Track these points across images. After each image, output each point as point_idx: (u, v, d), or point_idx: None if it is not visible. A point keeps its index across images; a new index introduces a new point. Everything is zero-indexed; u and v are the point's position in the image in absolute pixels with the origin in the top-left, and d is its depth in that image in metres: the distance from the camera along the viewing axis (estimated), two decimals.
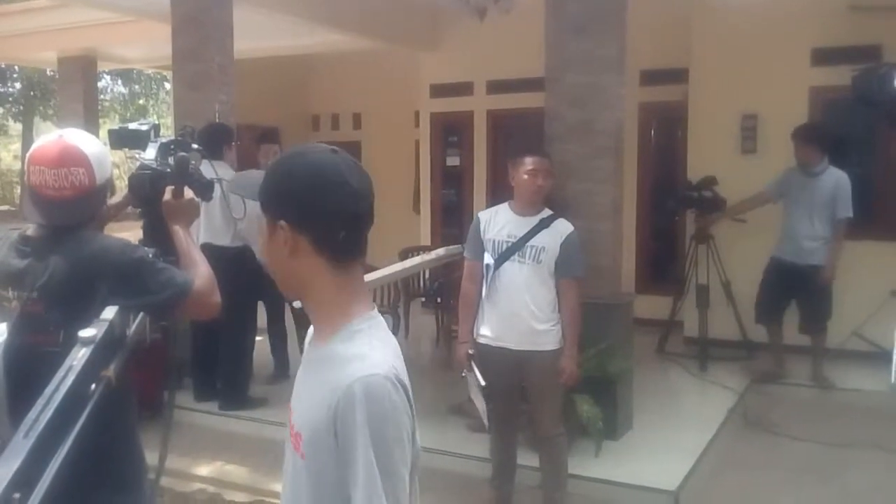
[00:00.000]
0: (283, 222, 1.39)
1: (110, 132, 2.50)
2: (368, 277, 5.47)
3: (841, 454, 4.82)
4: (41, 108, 23.51)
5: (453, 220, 9.52)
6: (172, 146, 2.38)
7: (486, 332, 3.77)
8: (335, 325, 1.43)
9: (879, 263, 6.39)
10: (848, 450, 4.86)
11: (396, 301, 7.04)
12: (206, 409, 5.41)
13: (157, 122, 2.46)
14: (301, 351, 5.93)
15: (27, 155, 2.07)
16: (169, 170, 2.26)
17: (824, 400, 5.80)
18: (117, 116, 26.37)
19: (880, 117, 6.25)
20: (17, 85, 23.23)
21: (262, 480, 4.48)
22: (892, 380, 5.76)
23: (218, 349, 5.39)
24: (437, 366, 6.70)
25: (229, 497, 4.34)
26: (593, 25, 4.75)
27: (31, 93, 22.69)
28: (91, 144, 2.05)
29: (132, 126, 2.43)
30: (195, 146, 2.51)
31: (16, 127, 26.43)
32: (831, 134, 6.16)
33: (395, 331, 6.97)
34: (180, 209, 2.21)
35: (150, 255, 2.09)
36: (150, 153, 2.30)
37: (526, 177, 3.70)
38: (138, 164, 2.29)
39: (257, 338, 5.85)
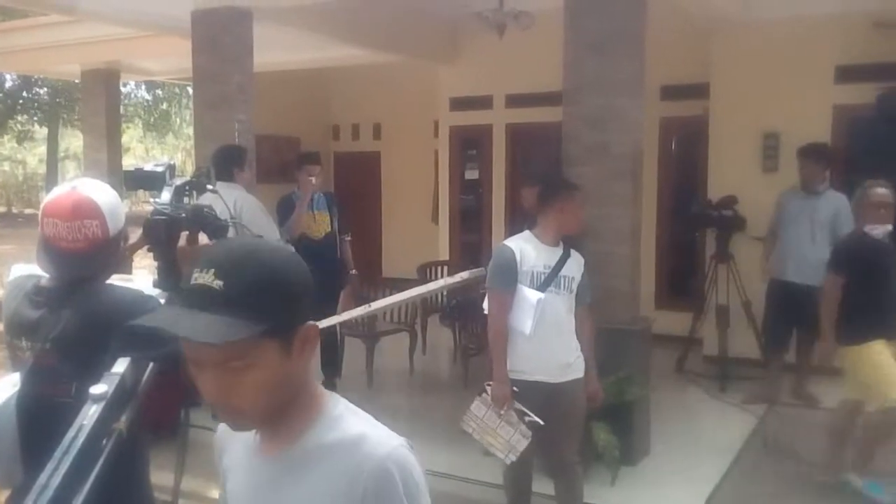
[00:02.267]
0: (301, 326, 1.28)
1: (125, 174, 2.51)
2: (392, 300, 5.47)
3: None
4: (66, 114, 23.79)
5: (472, 232, 9.53)
6: (187, 188, 2.39)
7: (521, 366, 3.66)
8: (308, 420, 1.31)
9: None
10: (870, 478, 4.78)
11: (414, 317, 7.03)
12: None
13: (172, 163, 2.45)
14: (325, 372, 5.86)
15: (41, 206, 2.08)
16: (184, 214, 2.26)
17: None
18: (140, 122, 26.64)
19: None
20: (43, 91, 23.53)
21: None
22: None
23: None
24: (455, 383, 6.68)
25: None
26: (611, 45, 4.72)
27: (57, 99, 22.97)
28: (104, 195, 2.06)
29: (147, 168, 2.44)
30: (209, 187, 2.52)
31: (42, 131, 26.79)
32: (837, 154, 6.13)
33: (412, 347, 6.97)
34: (195, 255, 2.21)
35: (163, 302, 2.10)
36: (165, 196, 2.30)
37: (579, 210, 3.77)
38: (153, 208, 2.29)
39: None
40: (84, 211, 1.99)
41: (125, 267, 2.34)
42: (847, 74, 6.58)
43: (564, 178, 4.41)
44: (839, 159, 6.14)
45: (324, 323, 5.40)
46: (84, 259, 1.99)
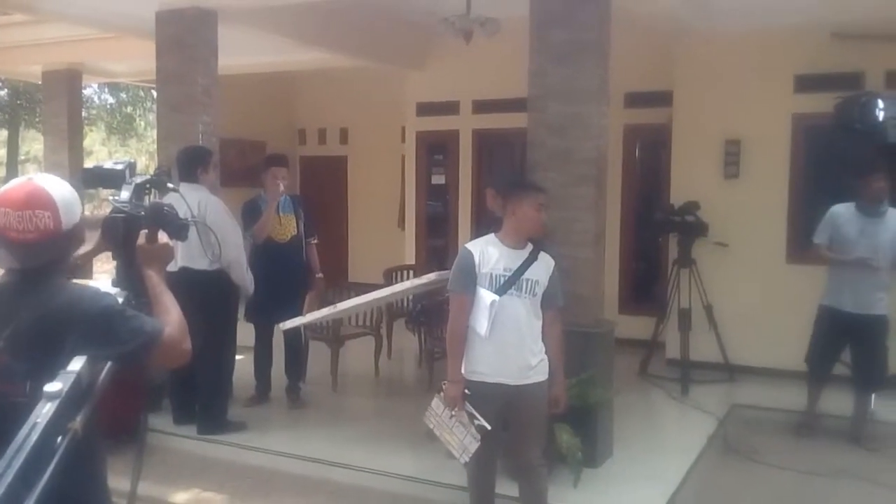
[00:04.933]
0: None
1: (84, 171, 2.48)
2: (359, 300, 5.46)
3: (821, 483, 4.85)
4: (27, 116, 23.35)
5: (438, 237, 9.55)
6: (147, 186, 2.37)
7: (481, 368, 3.67)
8: None
9: None
10: (828, 478, 4.89)
11: (379, 322, 7.02)
12: (184, 433, 5.36)
13: (132, 161, 2.43)
14: (289, 375, 5.83)
15: None
16: (143, 213, 2.24)
17: (795, 423, 5.80)
18: (104, 125, 26.24)
19: (861, 144, 6.29)
20: (3, 92, 23.08)
21: None
22: (872, 406, 5.80)
23: (197, 371, 5.35)
24: (420, 387, 6.67)
25: None
26: (575, 55, 4.76)
27: (17, 101, 22.54)
28: (60, 188, 2.02)
29: (107, 165, 2.41)
30: (170, 185, 2.50)
31: (1, 134, 26.26)
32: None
33: (377, 351, 6.95)
34: (154, 254, 2.19)
35: (121, 301, 2.08)
36: (124, 195, 2.28)
37: (535, 213, 3.71)
38: (112, 206, 2.27)
39: (239, 357, 5.83)
40: (36, 201, 1.96)
41: (83, 273, 2.30)
42: (805, 84, 6.72)
43: (524, 180, 4.42)
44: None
45: (288, 324, 5.37)
46: (33, 250, 1.95)
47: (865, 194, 5.44)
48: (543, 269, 3.74)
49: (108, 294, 2.04)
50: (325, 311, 5.40)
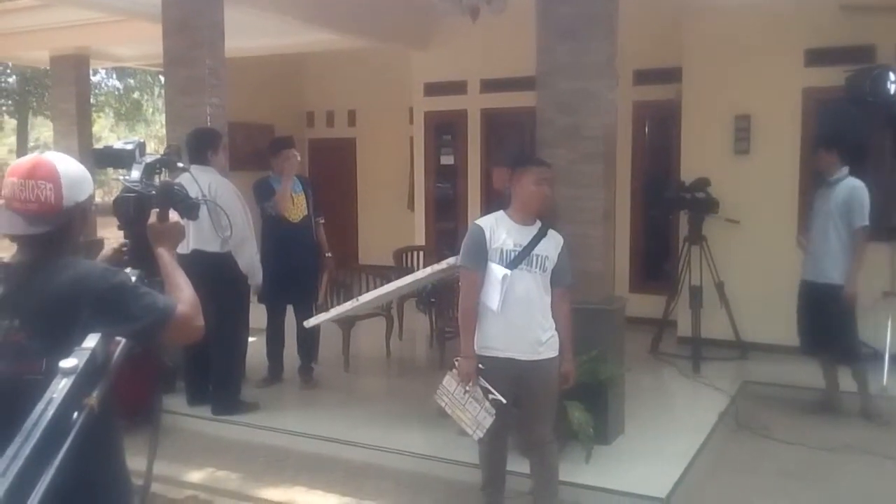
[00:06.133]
0: None
1: (95, 151, 2.49)
2: (380, 291, 5.46)
3: (831, 458, 4.84)
4: (35, 103, 23.41)
5: (447, 218, 9.54)
6: (158, 166, 2.37)
7: (492, 343, 3.69)
8: None
9: (871, 264, 6.36)
10: (838, 453, 4.89)
11: (390, 303, 7.03)
12: (198, 413, 5.41)
13: (142, 141, 2.43)
14: (301, 356, 5.87)
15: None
16: (153, 192, 2.24)
17: (815, 402, 5.80)
18: (112, 111, 26.28)
19: (873, 118, 6.24)
20: (12, 80, 23.13)
21: (254, 487, 4.49)
22: (884, 381, 5.79)
23: (210, 352, 5.39)
24: (431, 366, 6.70)
25: (221, 503, 4.35)
26: (583, 30, 4.73)
27: (26, 88, 22.59)
28: (67, 164, 2.03)
29: (117, 145, 2.41)
30: (180, 164, 2.50)
31: (11, 122, 26.34)
32: (853, 142, 5.78)
33: (388, 332, 6.98)
34: (165, 232, 2.20)
35: (134, 279, 2.09)
36: (134, 174, 2.28)
37: (535, 187, 3.71)
38: (123, 185, 2.27)
39: (251, 338, 5.86)
40: (40, 172, 1.97)
41: (93, 253, 2.31)
42: (816, 57, 6.66)
43: (526, 156, 4.40)
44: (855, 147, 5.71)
45: (312, 321, 5.40)
46: (33, 222, 1.95)
47: (816, 167, 5.80)
48: (553, 245, 3.75)
49: (120, 271, 2.05)
50: (347, 305, 5.40)
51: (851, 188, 5.44)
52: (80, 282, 1.95)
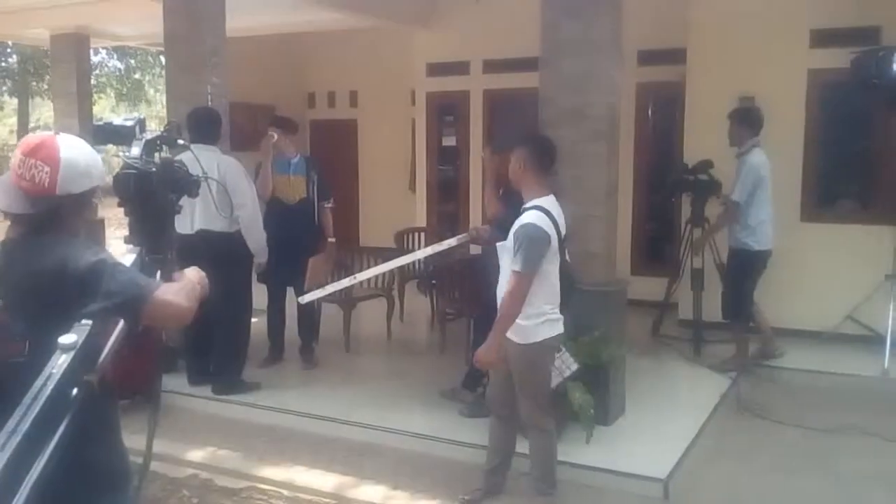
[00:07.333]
0: None
1: (95, 128, 2.46)
2: (377, 269, 5.46)
3: (832, 440, 4.84)
4: (36, 83, 23.30)
5: (449, 199, 9.51)
6: (158, 142, 2.35)
7: None
8: None
9: (874, 247, 6.36)
10: (839, 436, 4.89)
11: (391, 284, 7.03)
12: (199, 393, 5.42)
13: (142, 118, 2.40)
14: (302, 336, 5.88)
15: None
16: (154, 168, 2.22)
17: (817, 385, 5.80)
18: (113, 92, 26.16)
19: (879, 100, 6.20)
20: (13, 59, 23.02)
21: (255, 466, 4.50)
22: (886, 364, 5.79)
23: (213, 332, 5.39)
24: (432, 348, 6.71)
25: (221, 483, 4.36)
26: (588, 8, 4.69)
27: (27, 68, 22.47)
28: (72, 152, 2.00)
29: (117, 122, 2.39)
30: (181, 141, 2.48)
31: (12, 102, 26.25)
32: (759, 117, 6.06)
33: (390, 313, 6.97)
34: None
35: (135, 257, 2.07)
36: (135, 151, 2.26)
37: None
38: (123, 162, 2.25)
39: (254, 319, 5.86)
40: (43, 153, 1.96)
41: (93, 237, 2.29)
42: (822, 38, 6.59)
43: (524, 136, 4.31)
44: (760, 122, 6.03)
45: (306, 298, 5.38)
46: (21, 200, 1.95)
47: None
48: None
49: (101, 250, 2.03)
50: (345, 282, 5.38)
51: (741, 163, 5.90)
52: (60, 262, 1.93)
